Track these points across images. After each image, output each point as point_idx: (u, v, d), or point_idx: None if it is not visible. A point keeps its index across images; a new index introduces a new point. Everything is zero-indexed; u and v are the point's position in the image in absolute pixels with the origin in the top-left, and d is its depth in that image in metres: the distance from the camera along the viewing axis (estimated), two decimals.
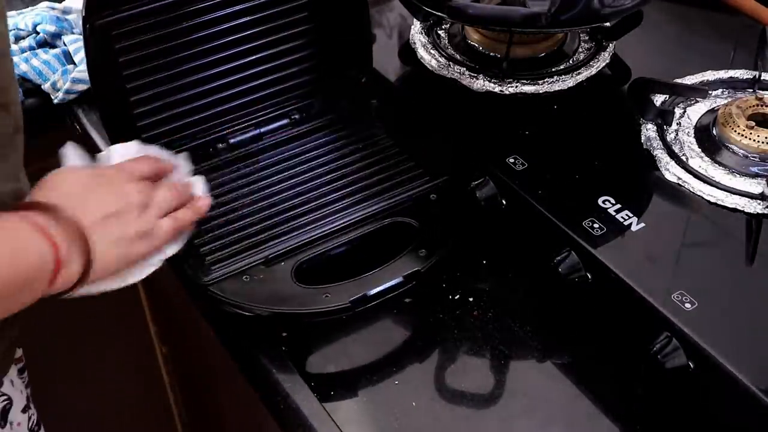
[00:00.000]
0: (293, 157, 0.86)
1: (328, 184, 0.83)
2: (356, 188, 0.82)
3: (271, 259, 0.76)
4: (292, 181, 0.83)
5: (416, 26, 0.97)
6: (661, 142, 0.81)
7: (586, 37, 0.95)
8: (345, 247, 0.78)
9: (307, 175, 0.84)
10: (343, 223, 0.79)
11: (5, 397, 0.83)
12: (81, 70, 0.95)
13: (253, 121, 0.88)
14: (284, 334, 0.73)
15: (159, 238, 0.71)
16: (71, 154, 0.72)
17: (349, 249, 0.78)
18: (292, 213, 0.80)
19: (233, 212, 0.80)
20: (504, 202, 0.79)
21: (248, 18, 0.84)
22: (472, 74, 0.89)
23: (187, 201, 0.73)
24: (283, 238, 0.77)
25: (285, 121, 0.90)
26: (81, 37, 0.77)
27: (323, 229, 0.78)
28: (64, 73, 0.96)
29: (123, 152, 0.74)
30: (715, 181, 0.77)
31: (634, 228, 0.73)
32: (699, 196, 0.76)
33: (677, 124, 0.83)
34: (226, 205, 0.81)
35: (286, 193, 0.82)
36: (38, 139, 1.00)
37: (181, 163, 0.75)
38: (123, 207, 0.68)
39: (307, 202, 0.81)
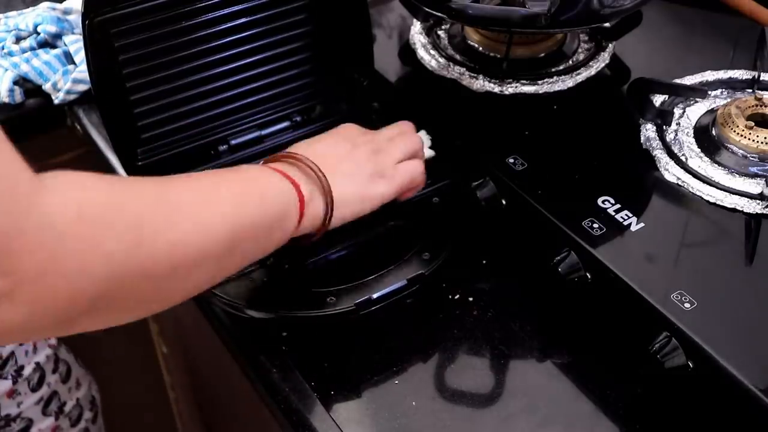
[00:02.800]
0: None
1: None
2: None
3: (275, 262, 0.76)
4: None
5: (416, 26, 0.97)
6: (660, 142, 0.81)
7: (586, 38, 0.95)
8: (348, 250, 0.78)
9: None
10: (347, 226, 0.79)
11: None
12: (81, 71, 0.95)
13: (254, 123, 0.88)
14: (284, 334, 0.74)
15: (396, 180, 0.76)
16: None
17: (353, 252, 0.78)
18: None
19: None
20: (504, 202, 0.79)
21: (248, 18, 0.84)
22: (472, 75, 0.89)
23: (418, 153, 0.80)
24: None
25: (286, 123, 0.89)
26: (81, 37, 0.77)
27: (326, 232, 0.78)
28: (64, 73, 0.96)
29: None
30: (714, 181, 0.77)
31: (633, 228, 0.73)
32: (698, 196, 0.76)
33: (677, 124, 0.83)
34: None
35: None
36: (38, 139, 1.01)
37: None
38: (353, 150, 0.75)
39: None
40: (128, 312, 0.60)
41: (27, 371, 0.94)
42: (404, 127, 0.82)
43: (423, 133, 0.85)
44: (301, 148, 0.74)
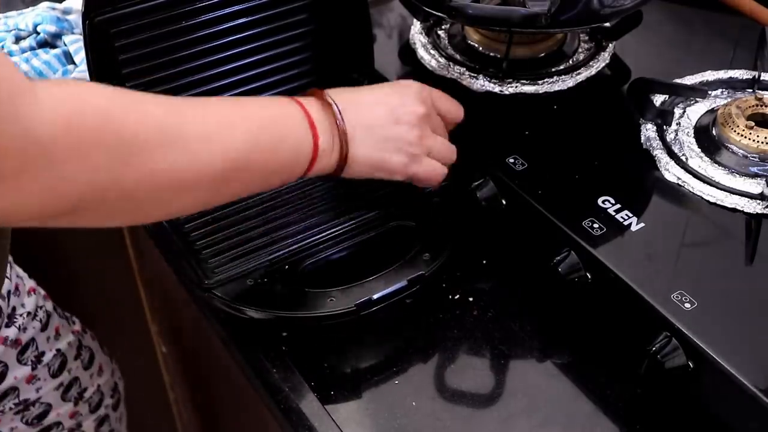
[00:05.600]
0: None
1: (331, 187, 0.83)
2: (359, 192, 0.82)
3: (275, 262, 0.76)
4: (294, 183, 0.83)
5: (416, 26, 0.97)
6: (660, 142, 0.81)
7: (586, 38, 0.95)
8: (348, 250, 0.78)
9: (309, 178, 0.84)
10: (347, 226, 0.79)
11: None
12: (81, 71, 0.95)
13: None
14: (284, 334, 0.74)
15: (416, 167, 0.75)
16: None
17: (353, 252, 0.78)
18: (295, 216, 0.80)
19: (236, 215, 0.80)
20: (504, 202, 0.79)
21: (248, 18, 0.84)
22: (472, 74, 0.89)
23: (448, 161, 0.78)
24: (286, 242, 0.77)
25: None
26: (81, 37, 0.77)
27: (326, 233, 0.78)
28: (64, 73, 0.96)
29: None
30: (714, 181, 0.77)
31: (633, 228, 0.73)
32: (698, 196, 0.76)
33: (677, 124, 0.83)
34: (229, 207, 0.81)
35: (288, 196, 0.82)
36: None
37: None
38: (394, 115, 0.74)
39: (310, 205, 0.81)
40: (109, 220, 0.63)
41: (47, 357, 0.94)
42: (446, 133, 0.80)
43: None
44: (345, 92, 0.73)
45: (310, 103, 0.70)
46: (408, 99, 0.75)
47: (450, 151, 0.78)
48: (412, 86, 0.77)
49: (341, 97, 0.72)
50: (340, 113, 0.71)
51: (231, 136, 0.64)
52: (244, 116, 0.66)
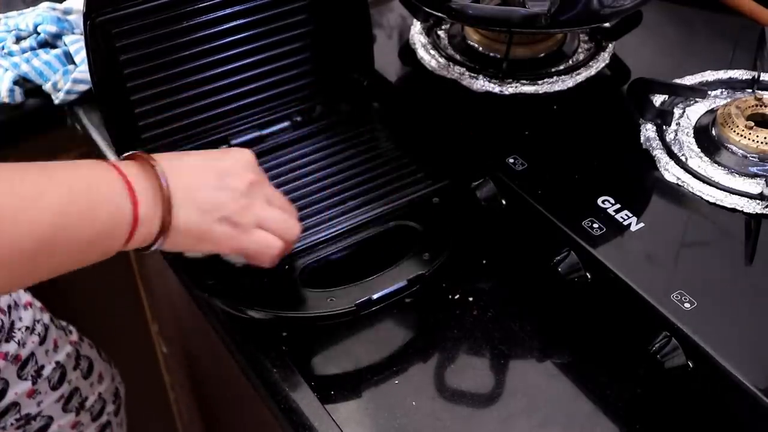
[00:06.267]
0: (295, 160, 0.86)
1: (331, 187, 0.83)
2: (359, 191, 0.82)
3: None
4: (294, 183, 0.83)
5: (416, 27, 0.97)
6: (660, 143, 0.81)
7: (586, 38, 0.95)
8: (348, 250, 0.78)
9: (309, 178, 0.84)
10: (346, 226, 0.79)
11: None
12: (82, 71, 0.95)
13: (255, 123, 0.88)
14: (284, 334, 0.74)
15: (244, 239, 0.68)
16: None
17: (353, 252, 0.78)
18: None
19: None
20: (504, 202, 0.79)
21: (248, 19, 0.84)
22: (472, 75, 0.89)
23: (287, 238, 0.71)
24: None
25: (286, 124, 0.90)
26: (82, 37, 0.77)
27: (326, 233, 0.78)
28: (65, 73, 0.96)
29: None
30: (714, 181, 0.77)
31: (633, 228, 0.73)
32: (698, 196, 0.76)
33: (676, 124, 0.83)
34: None
35: (288, 196, 0.82)
36: (39, 139, 1.01)
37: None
38: (220, 189, 0.67)
39: (310, 205, 0.81)
40: None
41: (47, 371, 0.94)
42: (292, 209, 0.74)
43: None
44: (169, 155, 0.68)
45: (129, 166, 0.64)
46: (239, 165, 0.69)
47: (287, 225, 0.71)
48: (244, 153, 0.71)
49: (164, 158, 0.65)
50: (164, 175, 0.64)
51: (39, 207, 0.58)
52: (55, 184, 0.60)
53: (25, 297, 0.94)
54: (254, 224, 0.69)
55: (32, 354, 0.92)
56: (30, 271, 0.59)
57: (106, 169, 0.63)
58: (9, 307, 0.88)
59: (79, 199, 0.60)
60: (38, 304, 0.95)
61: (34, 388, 0.92)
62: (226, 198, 0.67)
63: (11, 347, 0.89)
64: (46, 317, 0.96)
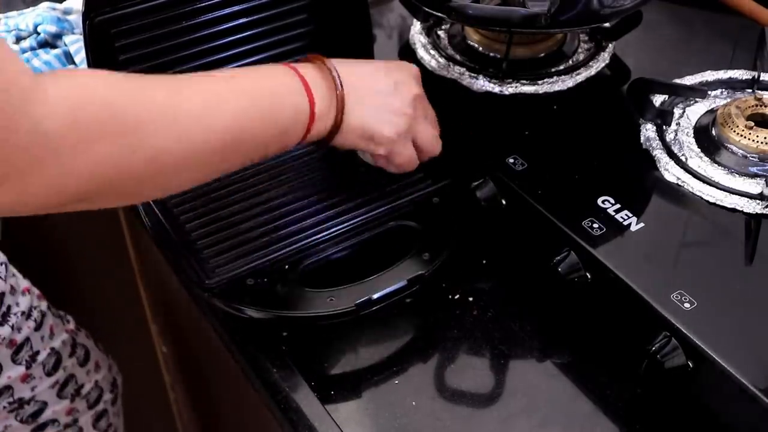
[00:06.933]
0: (295, 160, 0.86)
1: (331, 187, 0.83)
2: (358, 191, 0.82)
3: (276, 262, 0.76)
4: (294, 183, 0.83)
5: (416, 26, 0.97)
6: (660, 143, 0.81)
7: (586, 38, 0.95)
8: (349, 250, 0.78)
9: (308, 178, 0.84)
10: (346, 226, 0.79)
11: None
12: None
13: None
14: (284, 334, 0.74)
15: (400, 145, 0.75)
16: None
17: (353, 252, 0.78)
18: (295, 216, 0.80)
19: (236, 215, 0.80)
20: (504, 202, 0.79)
21: (248, 18, 0.84)
22: (472, 75, 0.89)
23: (431, 155, 0.79)
24: (286, 242, 0.77)
25: None
26: (82, 37, 0.77)
27: (326, 233, 0.78)
28: None
29: None
30: (714, 181, 0.77)
31: (633, 228, 0.73)
32: (698, 196, 0.76)
33: (676, 124, 0.83)
34: (229, 207, 0.81)
35: (288, 196, 0.82)
36: None
37: None
38: (394, 93, 0.74)
39: (310, 205, 0.81)
40: (111, 203, 0.64)
41: (42, 356, 0.94)
42: (438, 126, 0.80)
43: None
44: (346, 60, 0.74)
45: (307, 68, 0.71)
46: (408, 77, 0.76)
47: (435, 144, 0.78)
48: (411, 67, 0.78)
49: (340, 63, 0.73)
50: (339, 77, 0.71)
51: (222, 113, 0.65)
52: (237, 92, 0.67)
53: (24, 283, 0.94)
54: (411, 135, 0.76)
55: (27, 339, 0.92)
56: (213, 168, 0.67)
57: (285, 72, 0.70)
58: (3, 293, 0.88)
59: (261, 103, 0.67)
60: (36, 291, 0.96)
61: (28, 372, 0.92)
62: (395, 105, 0.74)
63: (5, 331, 0.89)
64: (43, 304, 0.96)
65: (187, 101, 0.63)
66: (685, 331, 0.64)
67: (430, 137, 0.78)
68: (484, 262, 0.80)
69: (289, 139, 0.70)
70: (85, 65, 0.92)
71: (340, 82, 0.71)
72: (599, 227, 0.73)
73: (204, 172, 0.67)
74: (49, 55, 0.98)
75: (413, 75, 0.77)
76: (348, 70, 0.72)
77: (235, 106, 0.66)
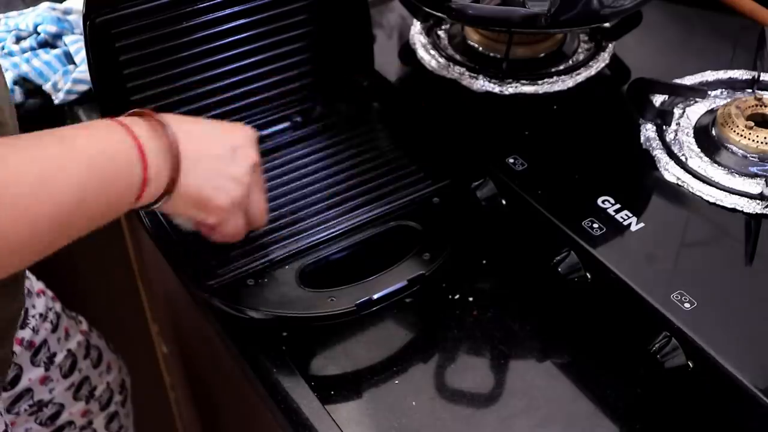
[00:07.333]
0: (295, 160, 0.86)
1: (331, 187, 0.83)
2: (359, 191, 0.82)
3: (276, 262, 0.76)
4: (294, 184, 0.83)
5: (416, 27, 0.97)
6: (660, 143, 0.81)
7: (586, 38, 0.95)
8: (349, 250, 0.78)
9: (309, 179, 0.84)
10: (347, 226, 0.79)
11: None
12: (82, 71, 0.95)
13: (255, 123, 0.88)
14: (284, 334, 0.74)
15: (232, 215, 0.70)
16: None
17: (353, 252, 0.78)
18: (295, 216, 0.80)
19: None
20: (504, 202, 0.79)
21: (249, 19, 0.84)
22: (472, 75, 0.89)
23: (256, 226, 0.75)
24: (286, 242, 0.78)
25: (286, 124, 0.90)
26: (82, 37, 0.77)
27: (327, 233, 0.78)
28: (65, 73, 0.96)
29: None
30: (714, 181, 0.77)
31: (633, 228, 0.73)
32: (698, 196, 0.76)
33: (676, 124, 0.83)
34: None
35: (288, 197, 0.82)
36: None
37: None
38: (232, 160, 0.68)
39: (310, 205, 0.81)
40: None
41: (59, 358, 0.95)
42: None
43: None
44: (179, 118, 0.67)
45: (140, 127, 0.64)
46: (246, 141, 0.71)
47: (262, 215, 0.74)
48: (251, 131, 0.72)
49: (175, 121, 0.66)
50: (173, 135, 0.64)
51: (61, 184, 0.59)
52: (73, 159, 0.61)
53: (38, 285, 0.94)
54: (244, 206, 0.71)
55: (45, 341, 0.92)
56: (54, 238, 0.60)
57: (120, 132, 0.63)
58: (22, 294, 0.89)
59: (98, 172, 0.61)
60: (50, 293, 0.96)
61: (46, 374, 0.93)
62: (233, 172, 0.69)
63: (26, 333, 0.90)
64: (57, 306, 0.96)
65: (19, 176, 0.57)
66: (685, 331, 0.64)
67: (261, 209, 0.73)
68: (484, 262, 0.80)
69: (121, 205, 0.64)
70: (85, 65, 0.92)
71: (176, 146, 0.64)
72: (599, 227, 0.73)
73: (38, 252, 0.60)
74: (49, 55, 0.98)
75: (251, 139, 0.71)
76: (184, 129, 0.65)
77: (73, 174, 0.59)
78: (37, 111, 0.98)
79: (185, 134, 0.65)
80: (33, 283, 0.94)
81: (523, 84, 0.88)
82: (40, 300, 0.93)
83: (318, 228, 0.79)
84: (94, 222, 0.63)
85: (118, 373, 1.08)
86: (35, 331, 0.91)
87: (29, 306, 0.91)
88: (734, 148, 0.78)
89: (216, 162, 0.68)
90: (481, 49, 0.93)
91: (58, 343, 0.95)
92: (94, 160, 0.61)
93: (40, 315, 0.92)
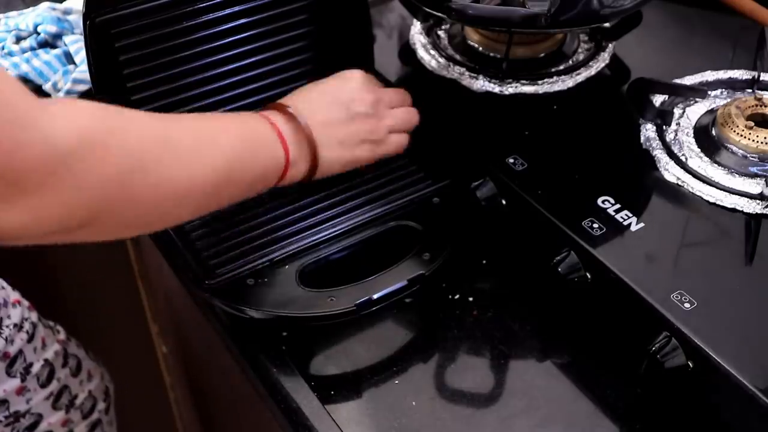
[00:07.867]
0: None
1: (331, 187, 0.83)
2: (359, 191, 0.82)
3: (276, 262, 0.76)
4: (294, 184, 0.83)
5: (416, 27, 0.97)
6: (660, 143, 0.81)
7: (586, 38, 0.95)
8: (349, 250, 0.78)
9: None
10: (347, 226, 0.79)
11: None
12: (82, 71, 0.95)
13: None
14: (284, 334, 0.74)
15: (381, 149, 0.80)
16: None
17: (353, 252, 0.78)
18: (295, 216, 0.80)
19: (236, 215, 0.80)
20: (504, 202, 0.79)
21: (249, 19, 0.84)
22: (472, 75, 0.89)
23: (411, 127, 0.83)
24: (286, 241, 0.78)
25: None
26: (82, 37, 0.77)
27: (327, 233, 0.78)
28: (64, 73, 0.96)
29: None
30: (714, 181, 0.77)
31: (633, 228, 0.73)
32: (698, 196, 0.76)
33: (676, 124, 0.83)
34: (229, 207, 0.80)
35: (288, 196, 0.82)
36: None
37: None
38: (350, 115, 0.77)
39: (311, 205, 0.81)
40: (118, 232, 0.65)
41: (36, 368, 0.94)
42: (407, 98, 0.84)
43: None
44: (297, 98, 0.77)
45: (276, 117, 0.74)
46: (356, 91, 0.79)
47: (409, 118, 0.82)
48: (355, 75, 0.80)
49: (297, 104, 0.76)
50: (305, 123, 0.74)
51: (216, 149, 0.67)
52: (225, 131, 0.70)
53: (14, 295, 0.94)
54: (387, 133, 0.80)
55: (20, 351, 0.92)
56: (207, 203, 0.69)
57: (260, 120, 0.73)
58: None
59: (246, 145, 0.71)
60: (26, 303, 0.96)
61: (23, 385, 0.92)
62: (357, 128, 0.78)
63: (0, 344, 0.89)
64: (33, 316, 0.96)
65: (180, 137, 0.65)
66: (685, 331, 0.64)
67: (404, 120, 0.82)
68: (484, 262, 0.80)
69: (267, 181, 0.73)
70: (85, 65, 0.92)
71: (309, 129, 0.74)
72: (599, 227, 0.73)
73: (196, 208, 0.69)
74: (49, 55, 0.98)
75: (360, 84, 0.80)
76: (305, 110, 0.75)
77: (225, 144, 0.68)
78: None
79: (307, 111, 0.75)
80: (9, 293, 0.93)
81: (523, 84, 0.88)
82: (15, 310, 0.92)
83: (318, 228, 0.79)
84: (242, 192, 0.72)
85: (100, 380, 1.07)
86: (10, 341, 0.90)
87: (4, 316, 0.90)
88: (734, 148, 0.78)
89: (341, 127, 0.77)
90: (481, 49, 0.93)
91: (35, 353, 0.94)
92: (243, 136, 0.71)
93: (15, 325, 0.91)
